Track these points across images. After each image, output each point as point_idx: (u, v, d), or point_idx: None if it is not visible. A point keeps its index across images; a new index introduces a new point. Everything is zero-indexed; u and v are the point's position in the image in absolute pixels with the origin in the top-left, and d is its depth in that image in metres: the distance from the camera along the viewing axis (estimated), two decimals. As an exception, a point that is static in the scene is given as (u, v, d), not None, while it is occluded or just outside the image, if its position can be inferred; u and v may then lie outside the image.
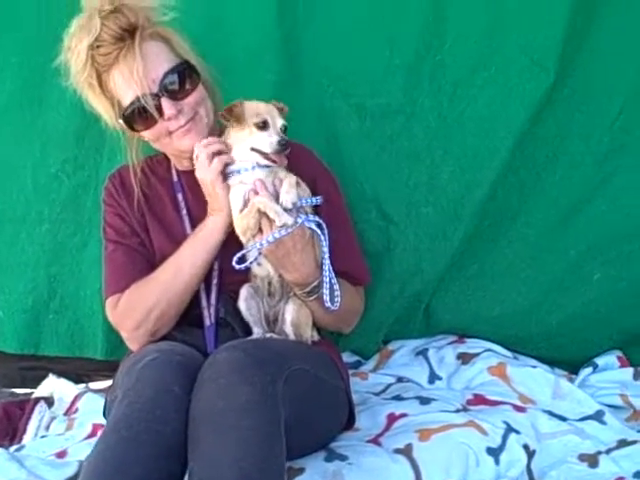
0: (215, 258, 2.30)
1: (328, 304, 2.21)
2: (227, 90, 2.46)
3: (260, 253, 2.21)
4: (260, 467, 1.77)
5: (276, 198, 2.16)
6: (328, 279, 2.21)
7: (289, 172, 2.23)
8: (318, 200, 2.24)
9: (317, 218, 2.21)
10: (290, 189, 2.16)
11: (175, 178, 2.46)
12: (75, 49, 2.21)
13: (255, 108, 2.20)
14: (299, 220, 2.14)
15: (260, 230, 2.16)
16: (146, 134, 2.30)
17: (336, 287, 2.23)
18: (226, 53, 2.66)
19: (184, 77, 2.25)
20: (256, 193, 2.16)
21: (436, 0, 2.66)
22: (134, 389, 1.93)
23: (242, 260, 2.20)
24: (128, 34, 2.19)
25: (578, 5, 2.57)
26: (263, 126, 2.18)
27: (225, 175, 2.22)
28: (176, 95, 2.24)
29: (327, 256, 2.21)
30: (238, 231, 2.19)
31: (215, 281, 2.34)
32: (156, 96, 2.21)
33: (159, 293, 2.27)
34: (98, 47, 2.18)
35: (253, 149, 2.20)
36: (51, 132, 2.79)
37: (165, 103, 2.22)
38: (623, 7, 2.59)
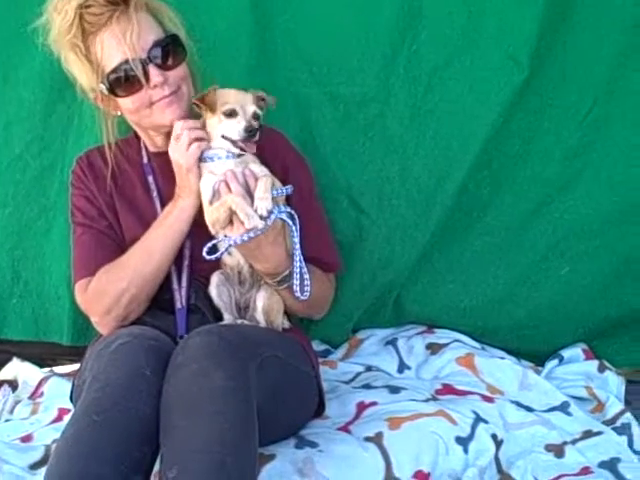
0: (185, 240, 2.28)
1: (298, 294, 2.21)
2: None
3: (230, 245, 2.18)
4: (233, 452, 1.76)
5: (246, 189, 2.13)
6: (299, 269, 2.20)
7: (261, 164, 2.21)
8: (288, 190, 2.22)
9: (288, 209, 2.19)
10: (265, 195, 2.12)
11: (145, 160, 2.43)
12: (62, 9, 2.18)
13: (226, 96, 2.18)
14: (269, 220, 2.10)
15: (231, 222, 2.13)
16: (127, 102, 2.26)
17: (306, 277, 2.22)
18: (199, 38, 2.60)
19: (172, 49, 2.25)
20: (227, 185, 2.14)
21: (413, -11, 2.65)
22: (105, 373, 1.92)
23: (212, 250, 2.17)
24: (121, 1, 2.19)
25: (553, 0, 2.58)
26: (230, 114, 2.15)
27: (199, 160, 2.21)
28: (163, 65, 2.23)
29: (298, 247, 2.20)
30: (207, 222, 2.17)
31: (186, 263, 2.32)
32: (144, 62, 2.19)
33: (129, 277, 2.23)
34: (88, 7, 2.16)
35: (223, 136, 2.18)
36: (15, 111, 2.72)
37: (152, 70, 2.20)
38: (597, 3, 2.60)
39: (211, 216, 2.15)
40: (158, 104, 2.24)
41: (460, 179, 2.73)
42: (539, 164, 2.74)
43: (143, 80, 2.20)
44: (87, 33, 2.20)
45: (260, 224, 2.07)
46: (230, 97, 2.17)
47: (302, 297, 2.21)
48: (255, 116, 2.17)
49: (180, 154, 2.19)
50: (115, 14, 2.17)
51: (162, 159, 2.32)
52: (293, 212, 2.20)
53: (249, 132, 2.14)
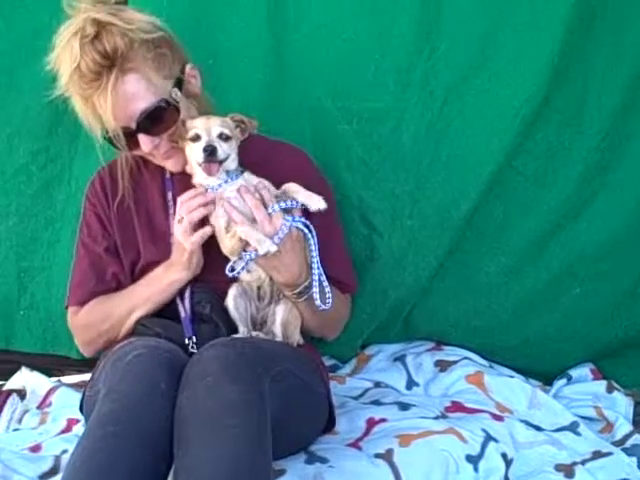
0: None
1: (319, 302, 2.20)
2: (213, 89, 2.45)
3: (250, 260, 2.20)
4: (248, 466, 1.75)
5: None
6: (317, 277, 2.21)
7: (258, 178, 2.23)
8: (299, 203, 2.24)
9: (303, 219, 2.21)
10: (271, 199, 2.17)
11: (168, 175, 2.43)
12: (60, 66, 2.19)
13: (193, 123, 2.19)
14: (283, 232, 2.13)
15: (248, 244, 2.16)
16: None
17: (326, 285, 2.23)
18: (214, 52, 2.64)
19: (162, 115, 2.23)
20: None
21: (429, 3, 2.60)
22: (120, 385, 1.91)
23: (233, 267, 2.22)
24: (106, 68, 2.15)
25: (574, 19, 2.55)
26: (195, 138, 2.16)
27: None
28: (153, 131, 2.23)
29: (316, 255, 2.21)
30: (225, 251, 2.20)
31: None
32: (134, 132, 2.21)
33: (111, 322, 2.34)
34: (81, 76, 2.16)
35: (198, 163, 2.19)
36: (20, 121, 2.69)
37: (142, 139, 2.22)
38: (617, 24, 2.59)
39: (226, 247, 2.18)
40: (156, 158, 2.31)
41: (475, 198, 2.69)
42: (556, 184, 2.71)
43: (126, 150, 2.26)
44: (86, 94, 2.21)
45: (273, 247, 2.10)
46: (197, 123, 2.18)
47: (324, 306, 2.21)
48: (222, 137, 2.16)
49: (184, 238, 2.21)
50: (100, 88, 2.16)
51: (183, 176, 2.32)
52: (308, 222, 2.21)
53: (206, 151, 2.13)
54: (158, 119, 2.21)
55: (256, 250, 2.11)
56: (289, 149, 2.45)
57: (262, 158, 2.35)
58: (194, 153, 2.17)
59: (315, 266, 2.21)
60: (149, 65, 2.20)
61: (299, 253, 2.20)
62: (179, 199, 2.22)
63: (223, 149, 2.15)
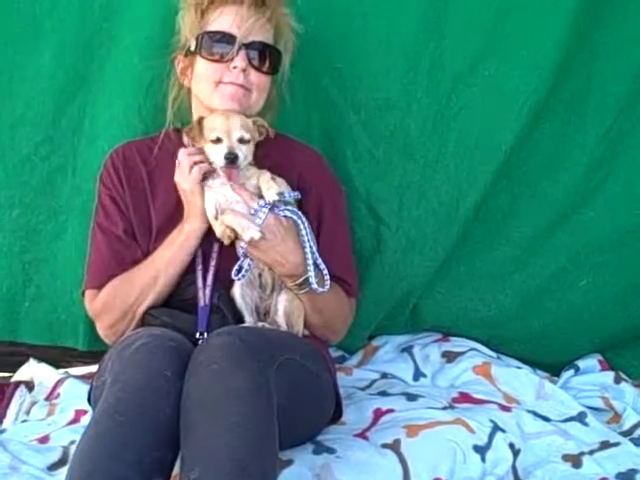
0: (213, 243, 2.30)
1: (314, 286, 2.22)
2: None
3: (247, 256, 2.23)
4: (254, 453, 1.75)
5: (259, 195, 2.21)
6: (311, 259, 2.22)
7: (260, 170, 2.26)
8: (295, 195, 2.29)
9: (289, 207, 2.24)
10: (269, 185, 2.20)
11: None
12: None
13: (213, 122, 2.21)
14: (261, 213, 2.16)
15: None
16: (203, 66, 2.33)
17: (322, 267, 2.25)
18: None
19: (269, 57, 2.34)
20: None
21: (437, -7, 2.61)
22: (126, 374, 1.91)
23: (239, 270, 2.24)
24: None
25: (582, 8, 2.55)
26: (216, 141, 2.19)
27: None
28: (252, 60, 2.31)
29: (307, 240, 2.23)
30: (218, 235, 2.23)
31: (214, 262, 2.32)
32: (240, 45, 2.27)
33: (136, 296, 2.29)
34: None
35: (217, 166, 2.22)
36: (22, 111, 2.64)
37: (241, 55, 2.28)
38: (624, 13, 2.60)
39: (218, 232, 2.22)
40: (223, 88, 2.30)
41: (482, 189, 2.70)
42: (562, 174, 2.73)
43: (228, 52, 2.28)
44: (216, 4, 2.31)
45: (256, 234, 2.13)
46: (216, 124, 2.21)
47: (321, 289, 2.23)
48: (242, 141, 2.20)
49: (183, 178, 2.25)
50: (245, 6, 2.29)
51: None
52: (294, 209, 2.25)
53: (228, 158, 2.16)
54: (264, 55, 2.34)
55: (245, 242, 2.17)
56: (306, 150, 2.50)
57: (282, 158, 2.39)
58: (214, 156, 2.20)
59: (307, 250, 2.23)
60: (284, 34, 2.41)
61: (295, 241, 2.23)
62: (180, 150, 2.29)
63: (243, 153, 2.20)
